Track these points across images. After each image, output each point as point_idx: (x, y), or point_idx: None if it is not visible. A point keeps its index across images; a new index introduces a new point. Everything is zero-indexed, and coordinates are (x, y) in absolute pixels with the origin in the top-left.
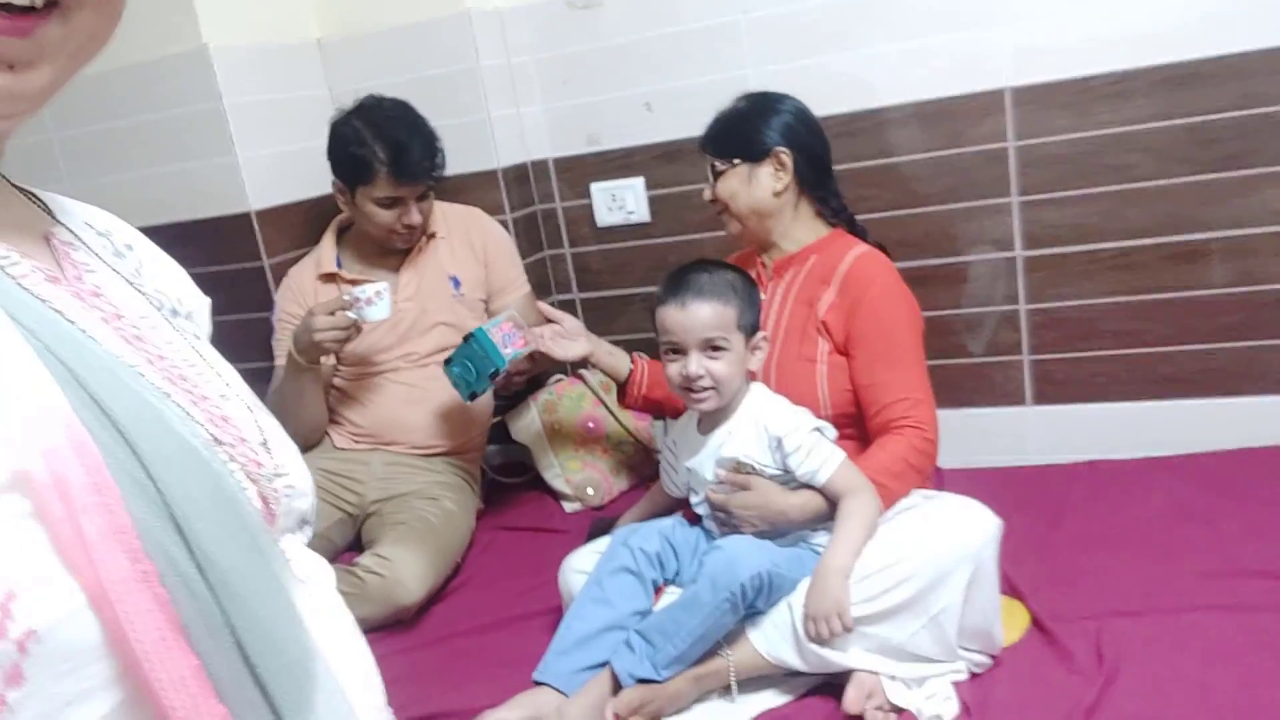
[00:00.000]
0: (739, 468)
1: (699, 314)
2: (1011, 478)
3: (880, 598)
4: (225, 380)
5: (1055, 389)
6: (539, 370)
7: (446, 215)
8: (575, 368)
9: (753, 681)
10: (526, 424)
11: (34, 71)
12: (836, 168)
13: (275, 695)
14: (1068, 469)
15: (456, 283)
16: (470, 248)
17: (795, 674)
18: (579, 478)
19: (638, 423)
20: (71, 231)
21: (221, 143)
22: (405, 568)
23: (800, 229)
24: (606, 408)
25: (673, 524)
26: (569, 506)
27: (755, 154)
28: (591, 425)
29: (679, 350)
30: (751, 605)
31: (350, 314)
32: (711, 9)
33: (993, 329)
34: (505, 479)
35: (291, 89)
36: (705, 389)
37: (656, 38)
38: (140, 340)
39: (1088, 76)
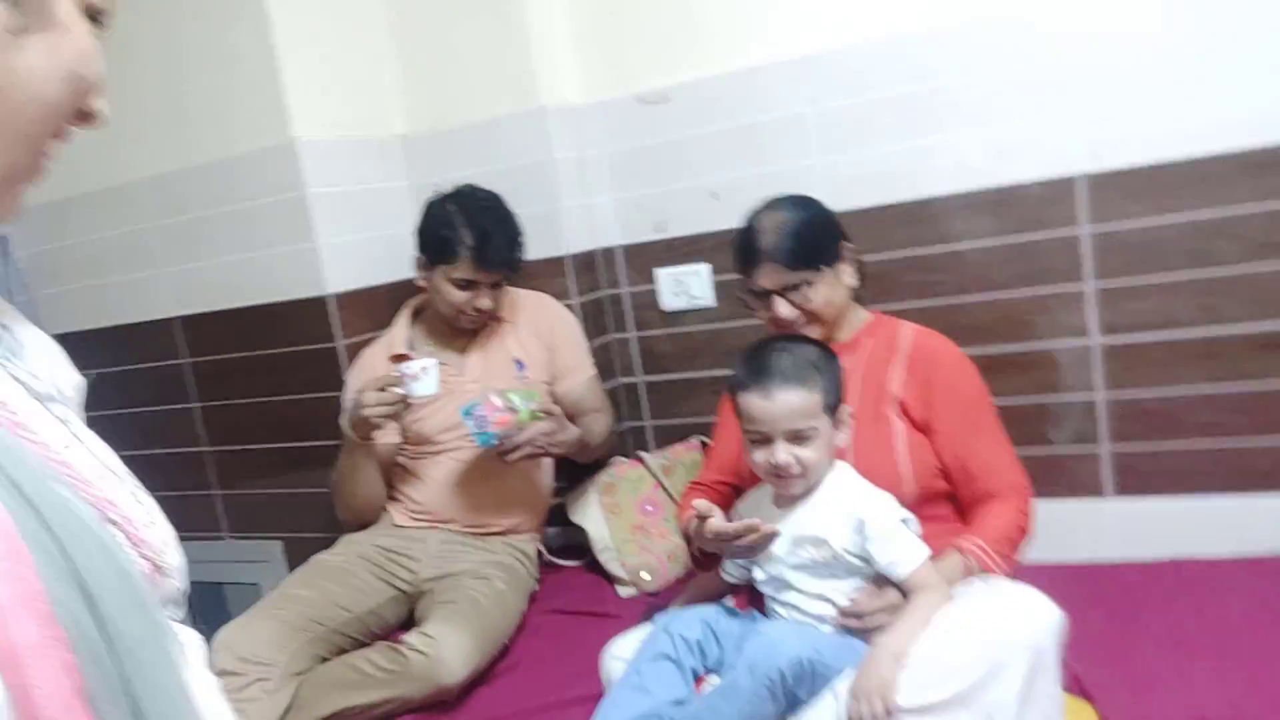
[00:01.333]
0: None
1: (786, 403)
2: (1087, 574)
3: (929, 689)
4: (104, 464)
5: (1138, 480)
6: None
7: (515, 301)
8: (635, 449)
9: None
10: (584, 505)
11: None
12: (901, 253)
13: None
14: (1149, 567)
15: (521, 365)
16: (536, 333)
17: None
18: (635, 561)
19: None
20: None
21: (303, 230)
22: (449, 648)
23: (853, 316)
24: (665, 491)
25: (716, 611)
26: (624, 591)
27: (832, 257)
28: (650, 509)
29: (765, 439)
30: (792, 694)
31: (399, 390)
32: (778, 101)
33: (1070, 418)
34: (562, 561)
35: (374, 180)
36: (794, 476)
37: (723, 131)
38: (21, 427)
39: (1165, 163)
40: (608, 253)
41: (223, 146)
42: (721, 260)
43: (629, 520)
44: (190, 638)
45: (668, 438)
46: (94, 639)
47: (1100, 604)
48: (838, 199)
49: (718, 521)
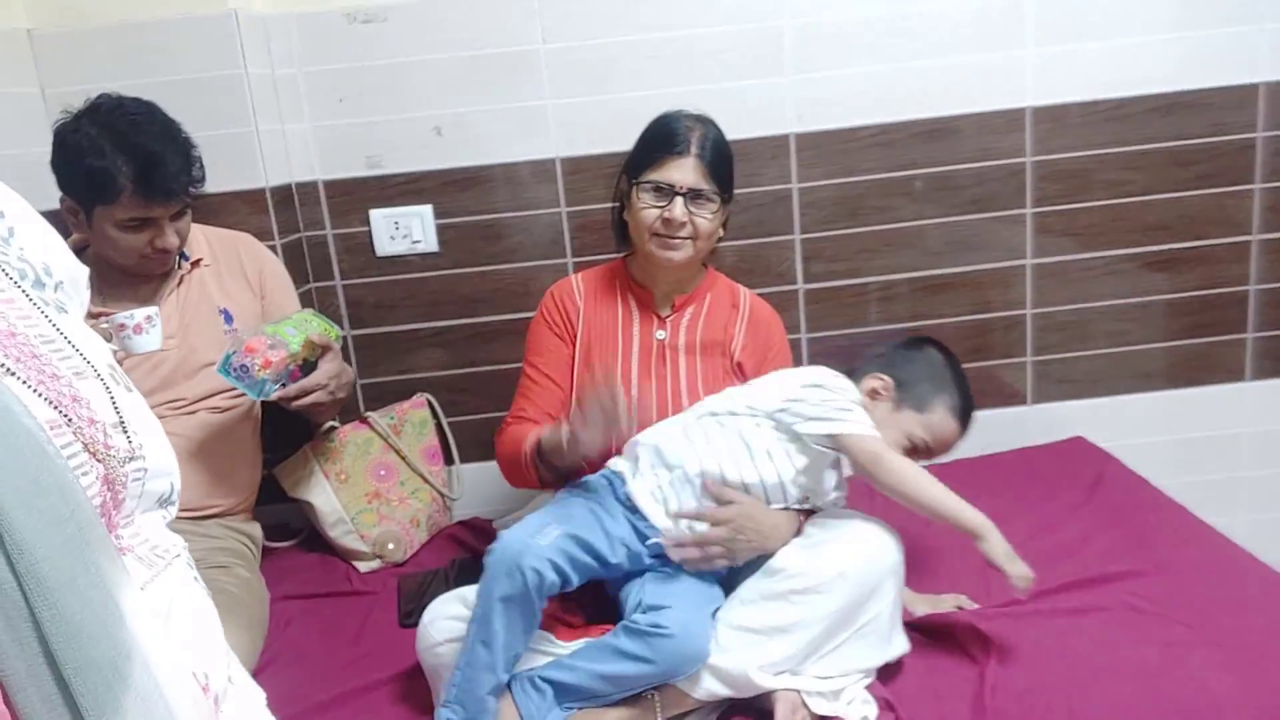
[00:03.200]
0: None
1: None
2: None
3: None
4: (85, 358)
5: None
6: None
7: (210, 240)
8: (365, 410)
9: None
10: (304, 477)
11: None
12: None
13: (78, 693)
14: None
15: (229, 317)
16: (243, 277)
17: None
18: (376, 533)
19: (431, 467)
20: None
21: None
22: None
23: (698, 268)
24: (397, 453)
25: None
26: (364, 566)
27: (730, 196)
28: (384, 473)
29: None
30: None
31: (111, 345)
32: (510, 36)
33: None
34: (273, 544)
35: None
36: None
37: (447, 60)
38: None
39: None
40: (307, 188)
41: None
42: (446, 201)
43: (362, 489)
44: (166, 543)
45: (385, 397)
46: None
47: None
48: (568, 144)
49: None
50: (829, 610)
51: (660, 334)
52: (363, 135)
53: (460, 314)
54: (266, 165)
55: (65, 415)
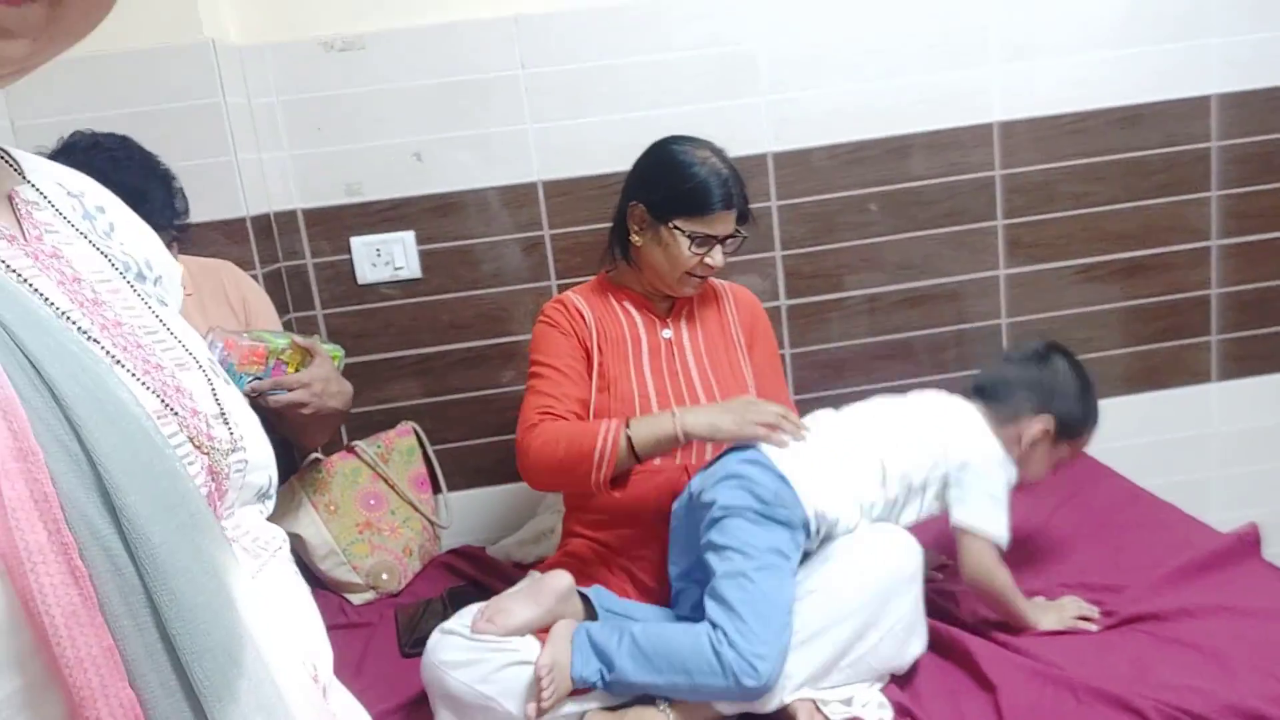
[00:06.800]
0: None
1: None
2: None
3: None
4: (187, 349)
5: None
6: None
7: (191, 270)
8: (350, 440)
9: None
10: (292, 509)
11: (13, 42)
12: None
13: (196, 679)
14: None
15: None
16: (226, 303)
17: None
18: (369, 563)
19: (420, 495)
20: (39, 190)
21: None
22: None
23: None
24: (385, 481)
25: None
26: (357, 599)
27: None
28: (374, 502)
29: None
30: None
31: None
32: (489, 61)
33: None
34: None
35: None
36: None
37: (427, 87)
38: (97, 305)
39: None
40: (286, 217)
41: None
42: (427, 226)
43: (352, 519)
44: (268, 536)
45: (368, 426)
46: (111, 544)
47: None
48: (549, 168)
49: None
50: (849, 614)
51: (666, 333)
52: (342, 163)
53: (442, 340)
54: (246, 194)
55: (169, 406)
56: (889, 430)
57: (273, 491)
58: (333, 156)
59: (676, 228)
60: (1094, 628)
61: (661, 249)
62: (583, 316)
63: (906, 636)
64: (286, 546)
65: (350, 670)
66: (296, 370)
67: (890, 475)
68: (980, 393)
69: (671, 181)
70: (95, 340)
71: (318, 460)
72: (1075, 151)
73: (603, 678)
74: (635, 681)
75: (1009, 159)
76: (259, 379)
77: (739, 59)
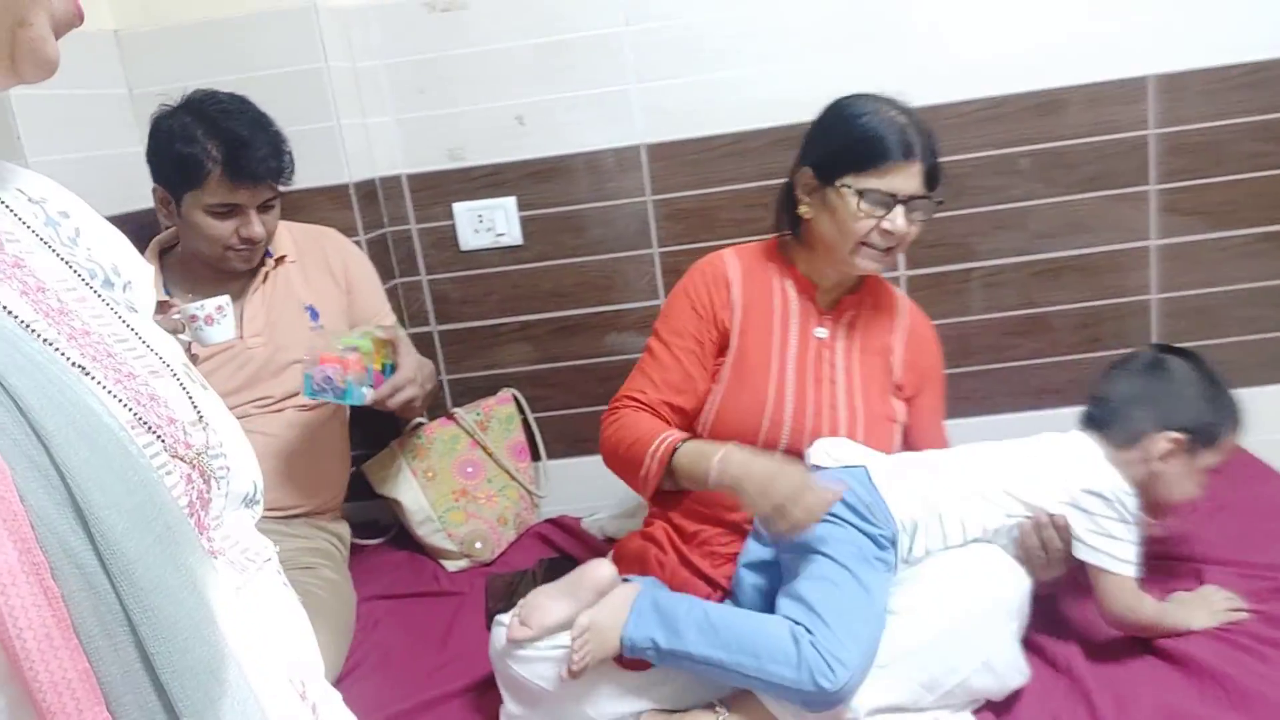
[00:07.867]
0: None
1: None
2: None
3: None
4: (160, 356)
5: None
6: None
7: (295, 236)
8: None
9: None
10: (392, 474)
11: None
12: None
13: (176, 699)
14: None
15: (314, 313)
16: (329, 273)
17: None
18: (463, 531)
19: (518, 463)
20: None
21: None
22: None
23: None
24: (484, 449)
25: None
26: (452, 565)
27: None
28: (471, 470)
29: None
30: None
31: (184, 337)
32: (592, 19)
33: None
34: (362, 541)
35: (82, 84)
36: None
37: (528, 47)
38: (64, 314)
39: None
40: (391, 182)
41: None
42: (528, 192)
43: (449, 486)
44: (256, 544)
45: (469, 393)
46: (86, 562)
47: None
48: (656, 130)
49: None
50: (939, 642)
51: (820, 331)
52: (445, 127)
53: (545, 308)
54: (349, 160)
55: (140, 418)
56: (998, 465)
57: (259, 497)
58: (435, 120)
59: (845, 185)
60: (1245, 616)
61: (830, 215)
62: (728, 289)
63: (1005, 671)
64: (276, 557)
65: (435, 642)
66: (384, 362)
67: (992, 514)
68: (1092, 422)
69: (838, 134)
70: (61, 351)
71: (420, 424)
72: (1248, 108)
73: (656, 645)
74: (694, 654)
75: (1166, 116)
76: (363, 384)
77: (878, 7)
